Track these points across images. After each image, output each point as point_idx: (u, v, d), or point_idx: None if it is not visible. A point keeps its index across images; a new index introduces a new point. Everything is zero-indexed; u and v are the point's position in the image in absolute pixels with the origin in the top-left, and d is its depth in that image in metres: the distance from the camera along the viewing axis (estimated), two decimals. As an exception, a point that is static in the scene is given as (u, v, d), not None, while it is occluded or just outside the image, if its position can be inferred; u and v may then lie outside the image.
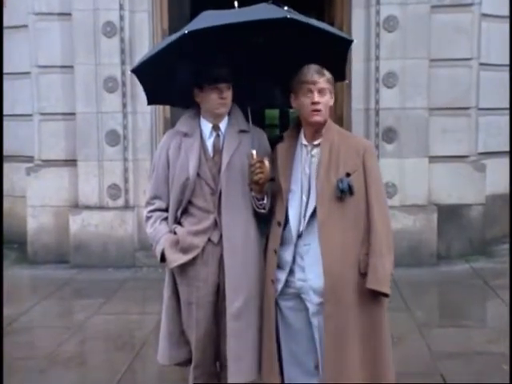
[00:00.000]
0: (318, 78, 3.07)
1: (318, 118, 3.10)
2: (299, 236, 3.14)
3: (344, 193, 3.02)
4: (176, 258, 3.25)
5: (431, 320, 5.63)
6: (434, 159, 7.42)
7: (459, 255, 7.46)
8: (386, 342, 3.13)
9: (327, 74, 3.10)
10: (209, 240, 3.27)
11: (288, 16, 2.83)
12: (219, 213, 3.25)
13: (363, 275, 3.03)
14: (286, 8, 2.92)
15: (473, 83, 7.49)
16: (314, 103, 3.07)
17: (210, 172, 3.26)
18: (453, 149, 7.52)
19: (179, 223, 3.32)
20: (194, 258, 3.25)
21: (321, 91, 3.08)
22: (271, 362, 3.21)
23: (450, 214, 7.46)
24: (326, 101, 3.10)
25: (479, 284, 6.55)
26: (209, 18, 2.99)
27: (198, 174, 3.24)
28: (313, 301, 3.12)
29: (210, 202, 3.26)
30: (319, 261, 3.05)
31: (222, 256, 3.25)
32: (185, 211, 3.30)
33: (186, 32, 2.84)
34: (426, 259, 7.26)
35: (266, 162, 3.12)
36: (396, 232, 6.91)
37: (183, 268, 3.28)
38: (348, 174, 3.04)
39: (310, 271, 3.11)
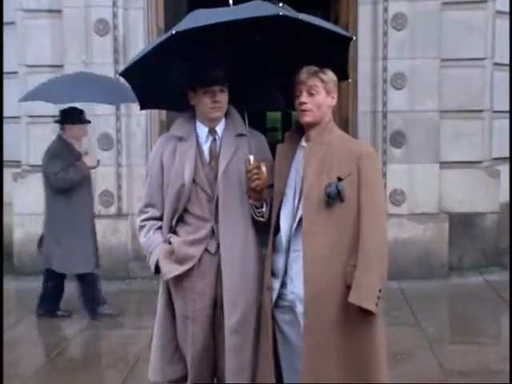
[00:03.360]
0: (307, 78, 3.07)
1: (306, 119, 3.10)
2: (290, 242, 3.12)
3: (331, 198, 2.97)
4: (171, 269, 3.24)
5: (442, 336, 5.61)
6: (445, 165, 7.43)
7: (472, 267, 7.46)
8: (375, 362, 3.04)
9: (323, 74, 3.09)
10: (205, 250, 3.26)
11: (280, 13, 2.81)
12: (216, 221, 3.24)
13: (349, 288, 2.96)
14: (280, 5, 2.90)
15: (486, 84, 7.50)
16: (300, 103, 3.08)
17: (206, 178, 3.26)
18: (465, 154, 7.52)
19: (174, 232, 3.31)
20: (190, 269, 3.24)
21: (310, 91, 3.08)
22: (269, 376, 3.18)
23: (462, 223, 7.46)
24: (316, 101, 3.09)
25: (493, 297, 6.54)
26: (199, 17, 2.98)
27: (194, 181, 3.24)
28: (300, 312, 3.08)
29: (206, 210, 3.25)
30: None
31: (219, 267, 3.24)
32: (180, 219, 3.29)
33: (174, 32, 2.83)
34: (436, 271, 7.25)
35: (264, 168, 3.09)
36: (405, 242, 7.00)
37: (178, 280, 3.27)
38: (340, 179, 3.00)
39: (297, 280, 3.08)
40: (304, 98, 3.07)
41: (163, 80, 3.29)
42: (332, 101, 3.14)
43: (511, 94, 7.53)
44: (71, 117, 6.04)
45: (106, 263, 7.43)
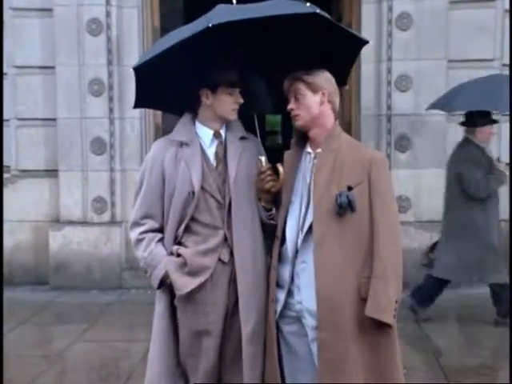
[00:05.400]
0: (291, 84, 3.11)
1: (296, 123, 3.15)
2: (297, 252, 3.12)
3: (343, 208, 2.97)
4: (186, 283, 3.18)
5: (450, 349, 5.58)
6: (452, 170, 7.39)
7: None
8: (395, 376, 3.07)
9: (306, 76, 3.09)
10: (218, 259, 3.23)
11: (317, 11, 2.85)
12: (228, 228, 3.22)
13: (364, 300, 2.97)
14: (308, 4, 2.92)
15: (495, 86, 7.47)
16: (289, 110, 3.14)
17: (215, 184, 3.23)
18: (473, 159, 7.49)
19: (179, 243, 3.25)
20: (204, 281, 3.20)
21: (296, 96, 3.11)
22: None
23: (470, 231, 7.42)
24: (303, 103, 3.11)
25: (503, 309, 6.51)
26: (228, 13, 2.96)
27: (203, 187, 3.20)
28: (309, 325, 3.08)
29: (217, 217, 3.22)
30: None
31: (231, 275, 3.23)
32: (186, 229, 3.24)
33: (210, 25, 2.79)
34: (443, 281, 7.21)
35: (281, 169, 3.13)
36: (410, 251, 6.93)
37: (190, 293, 3.20)
38: (350, 188, 3.00)
39: (305, 292, 3.08)
40: (291, 104, 3.13)
41: (176, 77, 3.27)
42: (323, 97, 3.12)
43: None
44: (483, 118, 6.00)
45: (98, 273, 7.44)
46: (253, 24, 2.93)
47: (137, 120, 7.55)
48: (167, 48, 2.98)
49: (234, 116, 3.26)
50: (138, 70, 3.17)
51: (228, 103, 3.21)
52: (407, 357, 5.00)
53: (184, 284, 3.18)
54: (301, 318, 3.13)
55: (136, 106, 3.42)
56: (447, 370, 4.99)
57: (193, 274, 3.19)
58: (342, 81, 3.35)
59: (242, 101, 3.22)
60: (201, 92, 3.23)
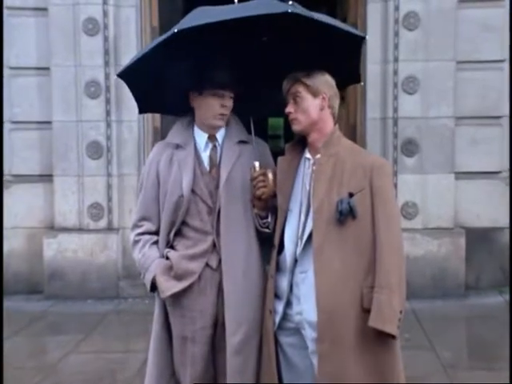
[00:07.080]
0: (290, 85, 3.11)
1: (294, 128, 3.16)
2: (296, 261, 3.12)
3: (344, 215, 2.97)
4: (169, 286, 3.23)
5: (458, 361, 5.58)
6: (461, 175, 7.41)
7: (490, 286, 7.42)
8: None
9: (306, 78, 3.09)
10: (206, 265, 3.26)
11: (289, 10, 2.82)
12: (218, 234, 3.24)
13: (367, 311, 2.96)
14: (290, 2, 2.91)
15: (505, 88, 7.47)
16: (287, 113, 3.14)
17: (206, 188, 3.27)
18: (482, 163, 7.50)
19: (172, 247, 3.31)
20: (190, 286, 3.25)
21: (295, 98, 3.11)
22: None
23: (479, 239, 7.43)
24: (302, 107, 3.11)
25: (514, 319, 6.51)
26: (202, 15, 3.00)
27: (193, 191, 3.24)
28: (309, 337, 3.08)
29: (207, 222, 3.26)
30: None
31: (220, 283, 3.24)
32: (178, 233, 3.29)
33: (176, 31, 2.85)
34: (452, 290, 7.22)
35: (270, 175, 3.14)
36: (417, 258, 6.97)
37: (177, 297, 3.26)
38: (351, 194, 3.00)
39: (305, 302, 3.07)
40: (289, 107, 3.13)
41: (164, 81, 3.30)
42: (323, 101, 3.13)
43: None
44: None
45: (94, 282, 7.44)
46: (244, 24, 2.95)
47: (134, 123, 7.54)
48: (146, 52, 3.06)
49: (219, 122, 3.26)
50: (123, 76, 3.21)
51: (213, 106, 3.22)
52: (414, 369, 5.01)
53: (167, 287, 3.24)
54: (300, 330, 3.13)
55: (140, 111, 3.47)
56: (455, 382, 4.99)
57: (178, 277, 3.24)
58: (355, 78, 3.40)
59: (228, 104, 3.22)
60: (190, 94, 3.26)
